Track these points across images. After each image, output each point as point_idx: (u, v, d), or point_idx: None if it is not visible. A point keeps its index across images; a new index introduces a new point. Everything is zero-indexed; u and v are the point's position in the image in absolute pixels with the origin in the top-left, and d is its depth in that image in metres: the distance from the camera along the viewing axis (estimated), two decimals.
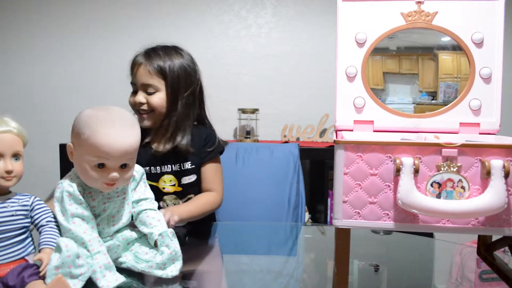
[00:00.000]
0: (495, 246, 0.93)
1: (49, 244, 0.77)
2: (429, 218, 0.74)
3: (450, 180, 0.72)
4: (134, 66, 1.25)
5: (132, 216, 0.92)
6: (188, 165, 1.26)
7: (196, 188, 1.29)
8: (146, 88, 1.23)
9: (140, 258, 0.87)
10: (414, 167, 0.71)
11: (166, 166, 1.25)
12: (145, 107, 1.24)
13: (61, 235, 0.79)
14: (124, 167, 0.82)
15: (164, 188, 1.26)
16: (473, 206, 0.70)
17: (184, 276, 0.88)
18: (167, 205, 1.25)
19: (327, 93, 2.17)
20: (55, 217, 0.81)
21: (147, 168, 1.24)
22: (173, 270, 0.85)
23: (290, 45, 2.28)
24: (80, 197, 0.80)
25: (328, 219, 2.05)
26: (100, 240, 0.81)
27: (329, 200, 2.05)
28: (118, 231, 0.88)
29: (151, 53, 1.25)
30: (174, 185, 1.26)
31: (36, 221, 0.81)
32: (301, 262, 1.12)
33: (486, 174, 0.70)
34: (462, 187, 0.73)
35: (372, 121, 0.89)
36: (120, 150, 0.79)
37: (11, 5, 2.22)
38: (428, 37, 0.90)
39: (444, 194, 0.73)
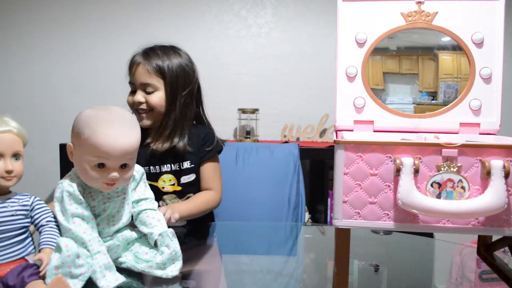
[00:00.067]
0: (495, 246, 0.93)
1: (49, 244, 0.77)
2: (429, 218, 0.74)
3: (450, 180, 0.72)
4: (133, 65, 1.25)
5: (132, 216, 0.92)
6: (187, 165, 1.26)
7: (195, 187, 1.29)
8: (145, 88, 1.23)
9: (140, 258, 0.87)
10: (414, 167, 0.71)
11: (165, 165, 1.25)
12: (144, 106, 1.24)
13: (61, 235, 0.79)
14: (124, 167, 0.82)
15: (163, 187, 1.26)
16: (473, 206, 0.70)
17: (184, 276, 0.88)
18: (167, 205, 1.25)
19: (327, 93, 2.17)
20: (55, 217, 0.81)
21: (146, 167, 1.24)
22: (173, 270, 0.85)
23: (290, 45, 2.28)
24: (80, 197, 0.80)
25: (328, 219, 2.05)
26: (100, 240, 0.81)
27: (329, 200, 2.05)
28: (118, 231, 0.88)
29: (150, 52, 1.25)
30: (173, 184, 1.26)
31: (36, 221, 0.81)
32: (301, 262, 1.12)
33: (486, 174, 0.70)
34: (462, 187, 0.73)
35: (372, 121, 0.89)
36: (120, 150, 0.79)
37: (11, 5, 2.22)
38: (428, 37, 0.90)
39: (444, 194, 0.73)
